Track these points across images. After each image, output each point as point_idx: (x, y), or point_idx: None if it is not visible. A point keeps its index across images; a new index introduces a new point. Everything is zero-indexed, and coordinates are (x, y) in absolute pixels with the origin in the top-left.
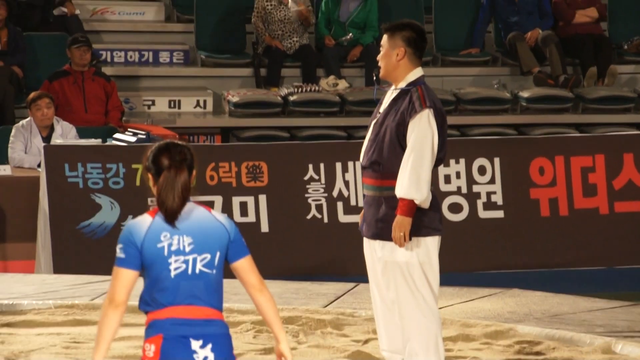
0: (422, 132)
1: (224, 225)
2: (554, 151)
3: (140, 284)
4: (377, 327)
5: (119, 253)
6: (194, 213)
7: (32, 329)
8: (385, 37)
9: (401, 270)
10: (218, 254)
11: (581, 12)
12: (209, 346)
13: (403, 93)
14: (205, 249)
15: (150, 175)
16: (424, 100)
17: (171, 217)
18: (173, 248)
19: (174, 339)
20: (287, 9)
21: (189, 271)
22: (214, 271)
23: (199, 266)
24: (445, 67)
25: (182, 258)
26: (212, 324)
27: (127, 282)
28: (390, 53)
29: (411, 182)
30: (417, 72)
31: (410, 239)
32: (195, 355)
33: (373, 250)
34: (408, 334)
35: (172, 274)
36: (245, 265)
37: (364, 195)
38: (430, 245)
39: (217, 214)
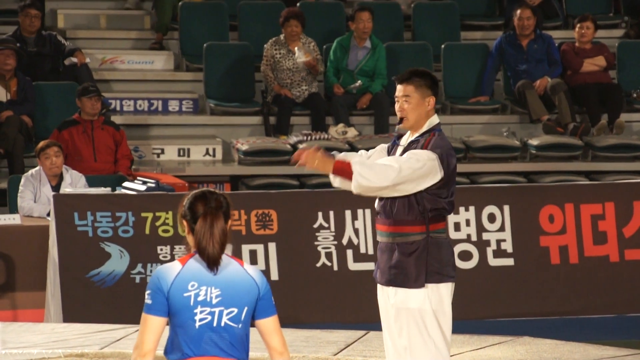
0: (417, 157)
1: (255, 280)
2: (563, 199)
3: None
4: None
5: (147, 299)
6: (226, 265)
7: None
8: (411, 88)
9: (414, 317)
10: (246, 309)
11: (589, 61)
12: None
13: (414, 142)
14: (233, 303)
15: (185, 222)
16: (427, 145)
17: (213, 264)
18: (200, 298)
19: None
20: (295, 58)
21: (214, 323)
22: (240, 325)
23: (224, 319)
24: (455, 115)
25: (208, 309)
26: None
27: (155, 329)
28: (422, 103)
29: (369, 166)
30: (435, 119)
31: (424, 286)
32: None
33: (386, 296)
34: None
35: (197, 324)
36: (270, 325)
37: (377, 242)
38: (444, 292)
39: (250, 268)
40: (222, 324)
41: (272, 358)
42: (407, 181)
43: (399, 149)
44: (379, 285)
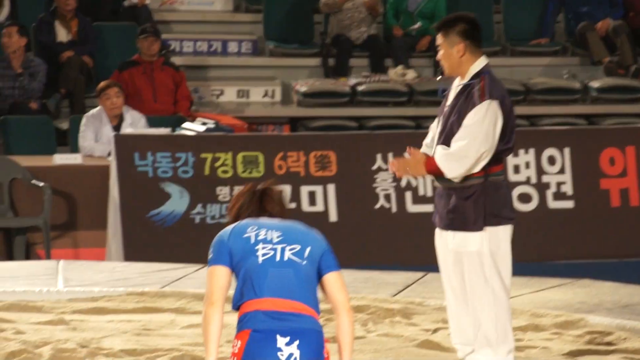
0: (478, 118)
1: (317, 235)
2: (624, 142)
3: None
4: (449, 319)
5: (210, 254)
6: (284, 221)
7: (104, 315)
8: (440, 37)
9: (472, 260)
10: (309, 248)
11: None
12: (296, 343)
13: (467, 87)
14: (295, 240)
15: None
16: (484, 94)
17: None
18: (260, 237)
19: (260, 334)
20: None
21: (277, 258)
22: (304, 262)
23: (287, 254)
24: (515, 57)
25: (269, 246)
26: (301, 319)
27: (220, 278)
28: (450, 52)
29: (450, 157)
30: (481, 62)
31: (482, 229)
32: (280, 354)
33: (445, 241)
34: (478, 323)
35: (260, 259)
36: (336, 279)
37: (434, 187)
38: (502, 234)
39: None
40: (286, 259)
41: (336, 313)
42: (484, 142)
43: (452, 92)
44: (437, 230)
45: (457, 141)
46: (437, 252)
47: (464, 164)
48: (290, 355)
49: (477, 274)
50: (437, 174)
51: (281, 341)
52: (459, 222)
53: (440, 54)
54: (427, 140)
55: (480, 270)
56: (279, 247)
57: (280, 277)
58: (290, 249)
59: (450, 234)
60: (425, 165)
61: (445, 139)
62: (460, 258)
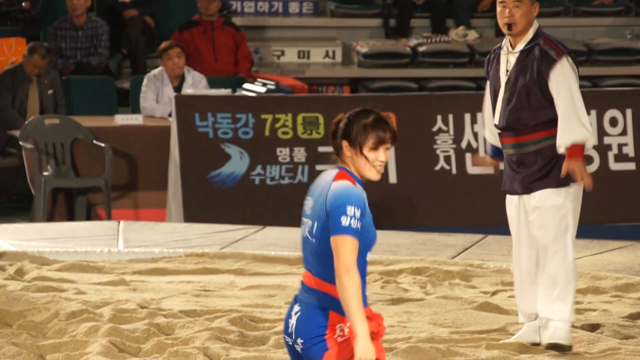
0: (567, 78)
1: (327, 195)
2: None
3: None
4: (516, 295)
5: (356, 223)
6: (325, 176)
7: (163, 276)
8: None
9: (555, 214)
10: (316, 223)
11: None
12: (298, 314)
13: (532, 47)
14: (312, 215)
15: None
16: (559, 48)
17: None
18: (304, 209)
19: (292, 302)
20: None
21: (304, 234)
22: (314, 240)
23: (306, 231)
24: (577, 18)
25: (304, 220)
26: (310, 293)
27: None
28: (530, 10)
29: (574, 127)
30: (536, 24)
31: (568, 184)
32: (289, 320)
33: (522, 205)
34: (548, 275)
35: (301, 234)
36: (333, 244)
37: (503, 155)
38: (579, 192)
39: (336, 184)
40: (305, 236)
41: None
42: (579, 96)
43: (504, 59)
44: (510, 197)
45: (565, 107)
46: (511, 221)
47: (585, 127)
48: (292, 325)
49: (557, 229)
50: (580, 152)
51: (295, 309)
52: (545, 181)
53: (518, 11)
54: (488, 122)
55: (561, 225)
56: (307, 221)
57: (306, 251)
58: (309, 226)
59: (533, 196)
60: (575, 156)
61: (519, 101)
62: (542, 212)
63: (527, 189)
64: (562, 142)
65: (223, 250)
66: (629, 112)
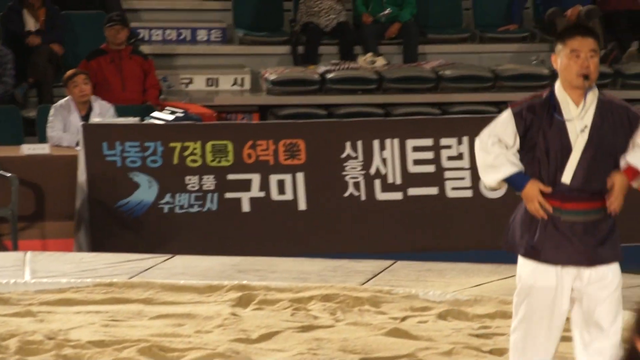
0: None
1: None
2: None
3: None
4: None
5: None
6: None
7: (71, 307)
8: (596, 42)
9: (619, 289)
10: None
11: None
12: None
13: (608, 109)
14: None
15: None
16: (631, 106)
17: None
18: None
19: None
20: None
21: None
22: None
23: None
24: (484, 44)
25: None
26: None
27: None
28: (598, 59)
29: None
30: None
31: (619, 260)
32: None
33: (573, 279)
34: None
35: None
36: None
37: (559, 222)
38: None
39: None
40: None
41: None
42: None
43: (574, 127)
44: (547, 268)
45: None
46: (543, 295)
47: None
48: None
49: (618, 304)
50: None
51: None
52: (615, 252)
53: (593, 62)
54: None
55: (620, 299)
56: None
57: None
58: None
59: (600, 269)
60: (627, 178)
61: (601, 160)
62: (614, 295)
63: (592, 261)
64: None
65: (132, 279)
66: None
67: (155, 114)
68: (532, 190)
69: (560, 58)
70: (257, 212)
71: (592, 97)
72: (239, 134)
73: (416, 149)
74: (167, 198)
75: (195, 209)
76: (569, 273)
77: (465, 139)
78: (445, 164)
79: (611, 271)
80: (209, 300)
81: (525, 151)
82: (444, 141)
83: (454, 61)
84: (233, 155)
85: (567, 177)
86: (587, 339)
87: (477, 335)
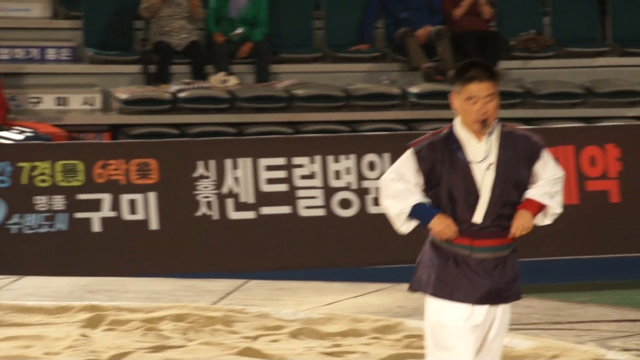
0: (554, 160)
1: None
2: None
3: None
4: None
5: None
6: None
7: None
8: (492, 86)
9: (506, 328)
10: None
11: (468, 10)
12: None
13: (509, 133)
14: None
15: None
16: (535, 135)
17: None
18: None
19: None
20: (175, 5)
21: None
22: None
23: None
24: (336, 64)
25: None
26: None
27: None
28: (498, 102)
29: (559, 198)
30: None
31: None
32: None
33: (489, 317)
34: None
35: None
36: None
37: (469, 259)
38: None
39: None
40: None
41: None
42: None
43: (475, 150)
44: (457, 307)
45: (556, 183)
46: (458, 334)
47: (561, 200)
48: None
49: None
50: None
51: None
52: (518, 291)
53: (492, 105)
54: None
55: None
56: None
57: None
58: None
59: (502, 307)
60: (531, 213)
61: (507, 194)
62: (505, 325)
63: (504, 298)
64: (543, 199)
65: None
66: (387, 156)
67: (3, 133)
68: (442, 220)
69: (458, 101)
70: (108, 232)
71: (494, 132)
72: (90, 154)
73: (269, 168)
74: (16, 218)
75: (45, 229)
76: (479, 311)
77: (317, 158)
78: (298, 182)
79: (509, 308)
80: (59, 322)
81: (430, 190)
82: (296, 160)
83: (306, 81)
84: (84, 175)
85: (478, 217)
86: None
87: (330, 354)
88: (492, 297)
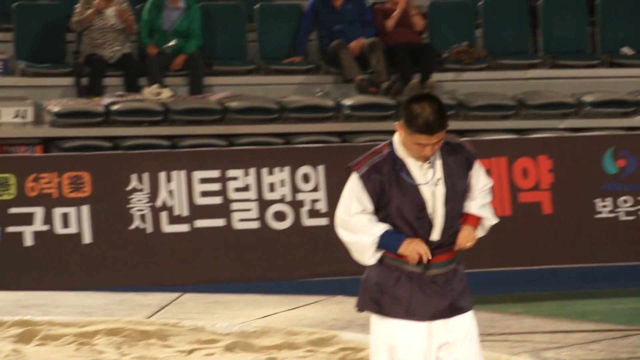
0: (483, 169)
1: None
2: None
3: None
4: None
5: None
6: None
7: None
8: (443, 132)
9: (475, 340)
10: None
11: (400, 21)
12: None
13: (446, 144)
14: None
15: None
16: (470, 148)
17: None
18: None
19: None
20: (107, 17)
21: None
22: None
23: None
24: (269, 76)
25: None
26: None
27: None
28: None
29: (492, 208)
30: None
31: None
32: None
33: (438, 331)
34: None
35: None
36: None
37: (422, 276)
38: None
39: None
40: None
41: None
42: None
43: (421, 171)
44: (415, 325)
45: (485, 186)
46: (413, 353)
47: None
48: None
49: (479, 348)
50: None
51: None
52: (470, 300)
53: (437, 146)
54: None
55: (479, 350)
56: None
57: None
58: None
59: (458, 318)
60: (473, 227)
61: (455, 211)
62: (471, 339)
63: (456, 310)
64: (480, 212)
65: None
66: (321, 168)
67: None
68: (411, 244)
69: (405, 135)
70: (41, 246)
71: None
72: (22, 167)
73: (203, 180)
74: None
75: None
76: (436, 326)
77: (252, 171)
78: (232, 195)
79: (469, 317)
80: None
81: (380, 211)
82: (230, 173)
83: (240, 93)
84: (15, 188)
85: (436, 234)
86: None
87: None
88: (447, 311)
